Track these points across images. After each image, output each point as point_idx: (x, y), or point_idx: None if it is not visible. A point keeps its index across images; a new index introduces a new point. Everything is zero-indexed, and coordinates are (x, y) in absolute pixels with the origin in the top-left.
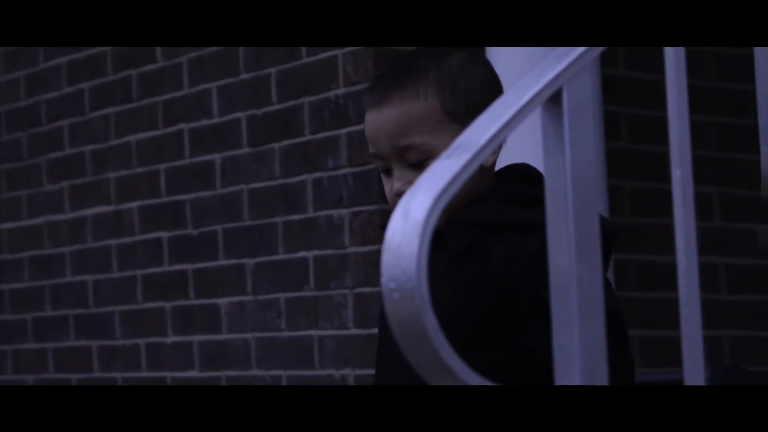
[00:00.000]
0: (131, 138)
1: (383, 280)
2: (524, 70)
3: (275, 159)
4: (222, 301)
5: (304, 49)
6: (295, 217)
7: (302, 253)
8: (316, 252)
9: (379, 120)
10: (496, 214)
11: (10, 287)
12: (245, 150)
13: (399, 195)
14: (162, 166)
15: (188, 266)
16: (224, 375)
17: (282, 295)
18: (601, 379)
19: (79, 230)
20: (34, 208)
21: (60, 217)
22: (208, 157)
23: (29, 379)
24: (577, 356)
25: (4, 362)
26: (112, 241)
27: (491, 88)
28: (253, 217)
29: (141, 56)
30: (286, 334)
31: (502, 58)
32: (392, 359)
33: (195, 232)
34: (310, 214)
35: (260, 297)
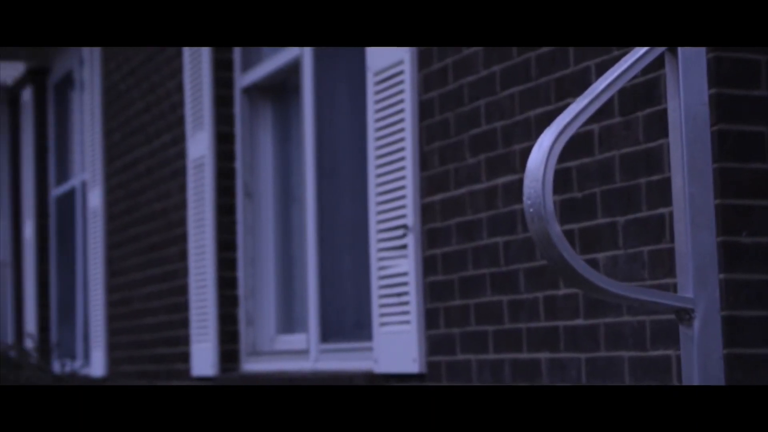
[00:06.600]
0: (531, 113)
1: (524, 198)
2: None
3: (640, 126)
4: (600, 256)
5: None
6: (655, 177)
7: (660, 210)
8: (671, 208)
9: None
10: None
11: (442, 251)
12: (617, 119)
13: None
14: None
15: (574, 225)
16: (602, 322)
17: (645, 248)
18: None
19: (492, 198)
20: (459, 180)
21: (478, 186)
22: (589, 127)
23: (457, 332)
24: (690, 259)
25: (436, 318)
26: (518, 207)
27: None
28: (623, 180)
29: None
30: (648, 282)
31: None
32: None
33: (579, 195)
34: (666, 174)
35: (629, 251)
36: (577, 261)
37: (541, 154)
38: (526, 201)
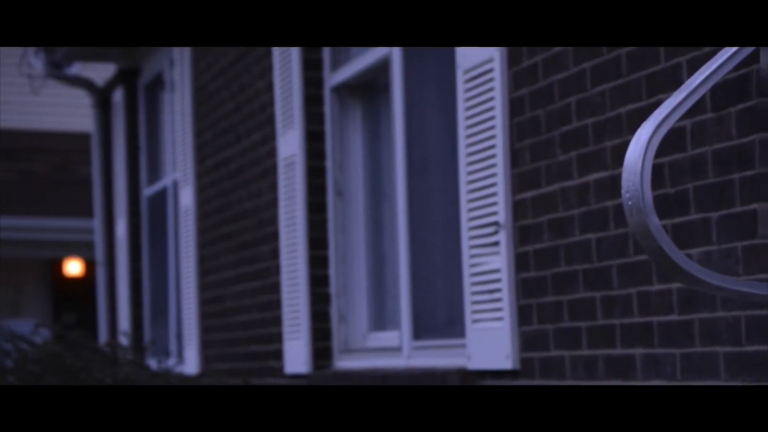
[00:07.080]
0: (622, 110)
1: (622, 191)
2: None
3: (732, 122)
4: (693, 251)
5: None
6: (748, 173)
7: (753, 206)
8: (764, 204)
9: None
10: None
11: (534, 248)
12: (709, 115)
13: None
14: None
15: (668, 221)
16: (696, 317)
17: (739, 244)
18: None
19: (584, 194)
20: (551, 177)
21: (570, 183)
22: (681, 123)
23: (550, 328)
24: None
25: (529, 315)
26: (609, 203)
27: None
28: (715, 175)
29: None
30: (742, 278)
31: None
32: None
33: (672, 190)
34: (759, 170)
35: (723, 246)
36: (676, 253)
37: (639, 147)
38: (625, 194)
